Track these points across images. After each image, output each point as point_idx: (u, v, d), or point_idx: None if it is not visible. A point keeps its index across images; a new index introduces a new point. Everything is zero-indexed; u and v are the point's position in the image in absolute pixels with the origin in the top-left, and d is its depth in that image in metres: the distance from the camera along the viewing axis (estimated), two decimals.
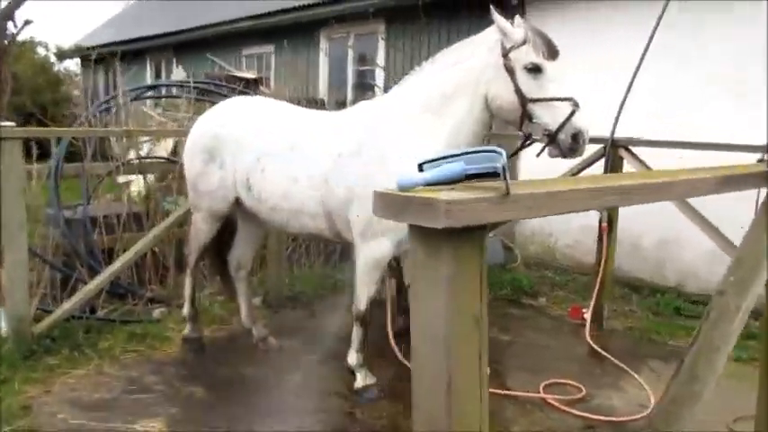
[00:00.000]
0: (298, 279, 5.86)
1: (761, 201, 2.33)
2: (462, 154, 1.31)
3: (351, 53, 9.22)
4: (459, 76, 3.49)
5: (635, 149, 4.88)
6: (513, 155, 3.64)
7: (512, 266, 6.71)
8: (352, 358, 3.90)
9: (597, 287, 5.03)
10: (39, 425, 3.40)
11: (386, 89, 8.35)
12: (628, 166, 4.92)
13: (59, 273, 4.86)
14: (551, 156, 3.41)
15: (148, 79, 15.09)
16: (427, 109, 3.55)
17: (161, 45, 13.63)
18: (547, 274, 6.53)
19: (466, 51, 3.53)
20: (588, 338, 4.75)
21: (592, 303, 5.02)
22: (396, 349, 4.31)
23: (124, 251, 5.21)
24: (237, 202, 4.13)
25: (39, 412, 3.52)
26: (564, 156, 3.34)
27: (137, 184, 5.90)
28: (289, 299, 5.48)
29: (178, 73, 12.91)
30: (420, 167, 1.35)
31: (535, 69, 3.26)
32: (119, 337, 4.49)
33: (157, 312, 5.01)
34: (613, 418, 3.61)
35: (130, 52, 13.02)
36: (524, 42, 3.28)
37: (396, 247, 3.70)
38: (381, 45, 8.62)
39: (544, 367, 4.30)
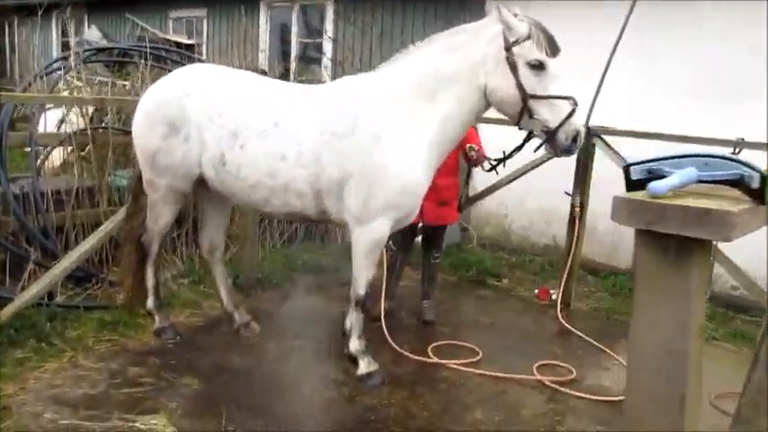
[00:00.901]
0: (264, 260, 5.63)
1: None
2: (680, 157, 1.27)
3: (295, 23, 8.87)
4: (456, 64, 3.43)
5: (608, 139, 5.05)
6: (515, 151, 3.69)
7: (468, 247, 6.81)
8: (354, 345, 3.81)
9: (567, 269, 5.20)
10: (24, 427, 3.07)
11: (335, 62, 8.14)
12: (600, 155, 5.09)
13: (10, 255, 4.37)
14: (547, 152, 3.48)
15: (54, 41, 13.85)
16: (420, 92, 3.49)
17: (70, 1, 12.49)
18: (503, 255, 6.67)
19: (461, 38, 3.48)
20: (563, 321, 4.91)
21: (562, 285, 5.19)
22: (387, 335, 4.28)
23: (75, 229, 4.83)
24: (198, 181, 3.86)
25: (20, 413, 3.17)
26: (557, 155, 3.42)
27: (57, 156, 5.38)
28: (258, 281, 5.26)
29: (91, 34, 11.89)
30: (627, 169, 1.29)
31: (538, 66, 3.26)
32: (88, 326, 4.13)
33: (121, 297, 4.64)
34: (613, 398, 3.75)
35: (26, 7, 11.77)
36: (528, 37, 3.26)
37: (393, 228, 3.65)
38: (330, 17, 8.35)
39: (530, 349, 4.40)
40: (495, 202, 6.73)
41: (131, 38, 9.28)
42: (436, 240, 4.73)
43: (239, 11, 9.34)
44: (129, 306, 4.34)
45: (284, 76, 8.21)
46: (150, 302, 4.19)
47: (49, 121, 5.29)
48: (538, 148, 3.50)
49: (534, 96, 3.26)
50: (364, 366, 3.78)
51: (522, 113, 3.32)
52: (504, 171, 5.29)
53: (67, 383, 3.51)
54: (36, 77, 5.07)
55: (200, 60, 7.07)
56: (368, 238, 3.58)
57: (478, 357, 4.17)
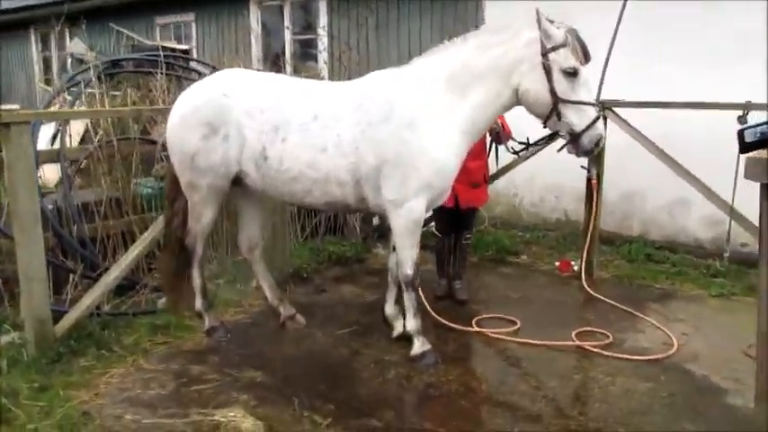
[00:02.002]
0: (291, 255, 5.74)
1: None
2: None
3: (288, 21, 8.92)
4: (490, 62, 3.62)
5: (618, 111, 5.25)
6: (539, 145, 4.23)
7: (481, 227, 6.98)
8: (411, 324, 3.97)
9: (589, 240, 5.40)
10: (108, 429, 3.17)
11: (332, 57, 8.22)
12: (612, 127, 5.28)
13: (53, 269, 4.44)
14: (569, 152, 3.70)
15: (34, 54, 13.69)
16: (452, 84, 3.68)
17: (49, 14, 12.36)
18: (517, 233, 6.86)
19: (498, 39, 3.66)
20: (589, 289, 5.11)
21: (584, 256, 5.38)
22: (433, 313, 4.45)
23: (110, 239, 4.91)
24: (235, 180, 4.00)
25: (102, 416, 3.28)
26: (577, 155, 3.68)
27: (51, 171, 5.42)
28: (290, 275, 5.38)
29: (75, 46, 11.79)
30: (741, 133, 1.46)
31: (572, 73, 3.46)
32: (141, 331, 4.23)
33: (164, 301, 4.72)
34: (651, 357, 3.96)
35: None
36: (564, 45, 3.46)
37: (428, 207, 3.82)
38: (324, 11, 8.42)
39: (563, 319, 4.60)
40: (504, 182, 6.90)
41: (126, 48, 9.19)
42: (468, 222, 4.91)
43: (228, 12, 9.38)
44: (173, 310, 4.45)
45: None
46: (199, 303, 4.30)
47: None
48: (561, 148, 3.76)
49: (565, 101, 3.46)
50: (419, 346, 3.94)
51: (550, 115, 3.54)
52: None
53: (137, 386, 3.61)
54: (58, 92, 5.11)
55: (206, 65, 7.06)
56: (406, 218, 3.75)
57: (517, 327, 4.36)
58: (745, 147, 1.47)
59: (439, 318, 4.44)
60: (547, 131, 3.96)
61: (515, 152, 4.49)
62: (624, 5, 5.23)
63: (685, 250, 6.00)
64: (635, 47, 5.62)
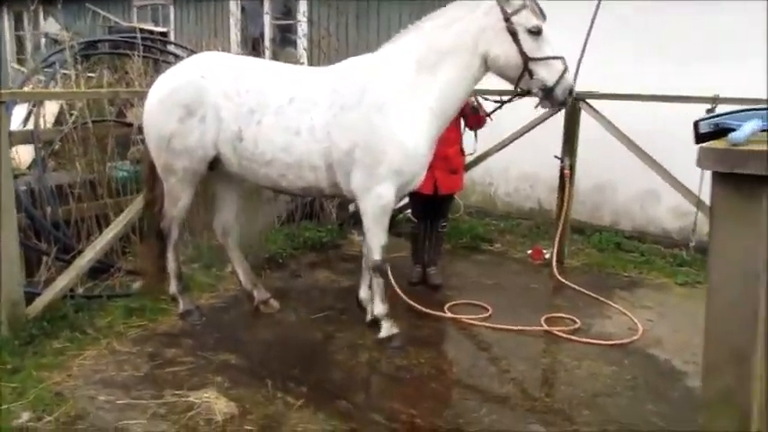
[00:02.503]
0: (267, 240, 5.77)
1: None
2: (741, 111, 1.51)
3: (268, 6, 8.87)
4: (457, 36, 3.71)
5: (592, 102, 5.35)
6: (511, 100, 4.01)
7: (456, 215, 7.07)
8: (378, 309, 4.04)
9: (560, 229, 5.51)
10: (82, 410, 3.20)
11: (311, 43, 8.20)
12: (586, 118, 5.39)
13: (25, 251, 4.42)
14: (543, 107, 3.87)
15: (7, 33, 13.43)
16: (422, 65, 3.75)
17: None
18: (491, 222, 6.96)
19: (456, 14, 3.75)
20: (560, 276, 5.22)
21: (556, 244, 5.48)
22: (405, 297, 4.52)
23: (84, 222, 4.89)
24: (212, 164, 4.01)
25: (75, 397, 3.30)
26: (552, 107, 3.87)
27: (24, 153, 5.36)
28: (266, 260, 5.41)
29: (50, 26, 11.60)
30: (696, 124, 1.53)
31: (537, 32, 3.60)
32: (115, 314, 4.24)
33: (138, 285, 4.73)
34: (617, 342, 4.08)
35: None
36: (524, 6, 3.60)
37: (398, 194, 3.87)
38: None
39: (533, 305, 4.70)
40: (479, 171, 6.98)
41: (102, 30, 9.06)
42: (445, 209, 4.98)
43: None
44: (148, 292, 4.46)
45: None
46: (173, 287, 4.31)
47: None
48: (537, 105, 3.84)
49: (534, 59, 3.60)
50: (386, 330, 4.01)
51: (522, 75, 3.66)
52: (494, 139, 5.63)
53: (111, 368, 3.63)
54: (33, 73, 5.04)
55: (184, 49, 7.00)
56: (375, 204, 3.80)
57: (489, 313, 4.45)
58: (699, 137, 1.54)
59: (412, 302, 4.51)
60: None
61: (490, 113, 4.46)
62: (599, 4, 5.31)
63: (654, 240, 6.15)
64: (607, 43, 5.72)
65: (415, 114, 3.72)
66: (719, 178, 1.43)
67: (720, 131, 1.48)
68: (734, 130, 1.49)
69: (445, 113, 3.84)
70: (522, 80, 3.68)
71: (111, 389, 3.40)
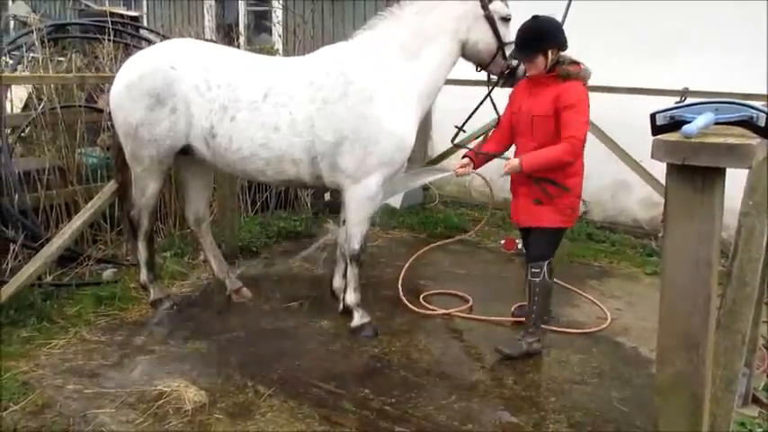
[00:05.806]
0: (241, 229, 5.74)
1: None
2: (696, 104, 1.54)
3: None
4: (438, 22, 3.82)
5: None
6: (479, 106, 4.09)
7: (431, 205, 7.11)
8: (351, 297, 4.05)
9: None
10: (50, 398, 3.17)
11: (286, 30, 8.13)
12: None
13: None
14: (503, 86, 4.01)
15: None
16: (405, 51, 3.80)
17: None
18: (466, 212, 7.00)
19: (433, 1, 3.82)
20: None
21: None
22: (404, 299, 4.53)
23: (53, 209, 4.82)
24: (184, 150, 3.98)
25: (43, 386, 3.27)
26: (512, 85, 3.92)
27: None
28: (239, 249, 5.39)
29: (18, 8, 11.33)
30: (653, 116, 1.56)
31: (509, 19, 3.86)
32: (84, 302, 4.20)
33: (108, 273, 4.70)
34: (585, 330, 4.15)
35: None
36: None
37: (383, 183, 3.88)
38: None
39: (504, 294, 4.73)
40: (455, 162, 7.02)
41: (72, 12, 8.88)
42: None
43: None
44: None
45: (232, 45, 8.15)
46: (143, 276, 4.28)
47: None
48: (497, 84, 4.01)
49: (506, 44, 3.82)
50: (358, 318, 4.02)
51: (494, 59, 3.88)
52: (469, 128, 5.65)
53: (79, 357, 3.60)
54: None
55: (157, 34, 6.90)
56: (362, 195, 3.81)
57: (470, 304, 4.49)
58: (656, 129, 1.57)
59: (411, 305, 4.49)
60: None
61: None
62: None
63: (624, 230, 6.24)
64: (580, 37, 5.76)
65: (405, 103, 3.77)
66: (673, 170, 1.46)
67: (676, 123, 1.51)
68: (689, 122, 1.52)
69: (429, 99, 3.95)
70: (492, 64, 3.91)
71: (80, 378, 3.37)
